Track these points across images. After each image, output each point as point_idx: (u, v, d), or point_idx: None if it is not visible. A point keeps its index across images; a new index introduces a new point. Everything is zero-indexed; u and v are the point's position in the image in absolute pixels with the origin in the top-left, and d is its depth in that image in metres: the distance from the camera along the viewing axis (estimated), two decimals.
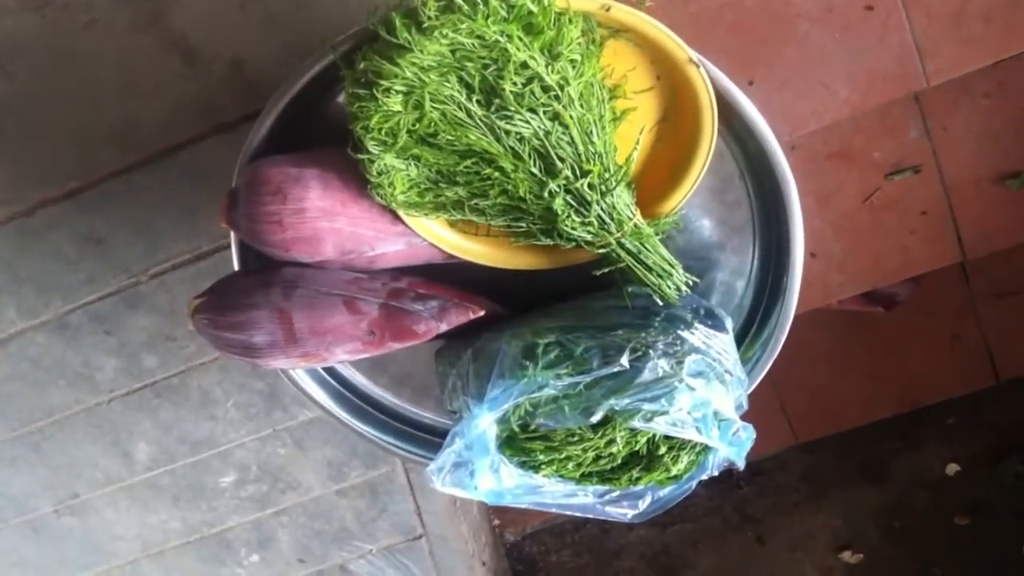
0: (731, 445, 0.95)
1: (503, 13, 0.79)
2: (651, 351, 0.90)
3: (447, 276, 0.99)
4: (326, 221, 0.90)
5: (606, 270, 0.93)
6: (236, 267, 1.02)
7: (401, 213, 0.92)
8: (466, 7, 0.78)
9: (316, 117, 0.99)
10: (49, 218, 1.41)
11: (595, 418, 0.88)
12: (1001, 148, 1.45)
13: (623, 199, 0.90)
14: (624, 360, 0.89)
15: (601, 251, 0.92)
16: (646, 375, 0.89)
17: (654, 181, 0.95)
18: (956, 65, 1.25)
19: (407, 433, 1.15)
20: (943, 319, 1.91)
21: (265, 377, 1.60)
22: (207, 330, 0.95)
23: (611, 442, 0.95)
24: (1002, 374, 1.99)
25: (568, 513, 1.01)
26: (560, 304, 1.01)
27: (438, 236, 0.96)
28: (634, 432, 0.94)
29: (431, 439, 1.15)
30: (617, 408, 0.88)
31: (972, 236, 1.55)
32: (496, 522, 2.44)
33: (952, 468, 2.24)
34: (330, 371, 1.11)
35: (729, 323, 0.99)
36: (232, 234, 0.99)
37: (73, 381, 1.58)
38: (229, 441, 1.69)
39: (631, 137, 0.92)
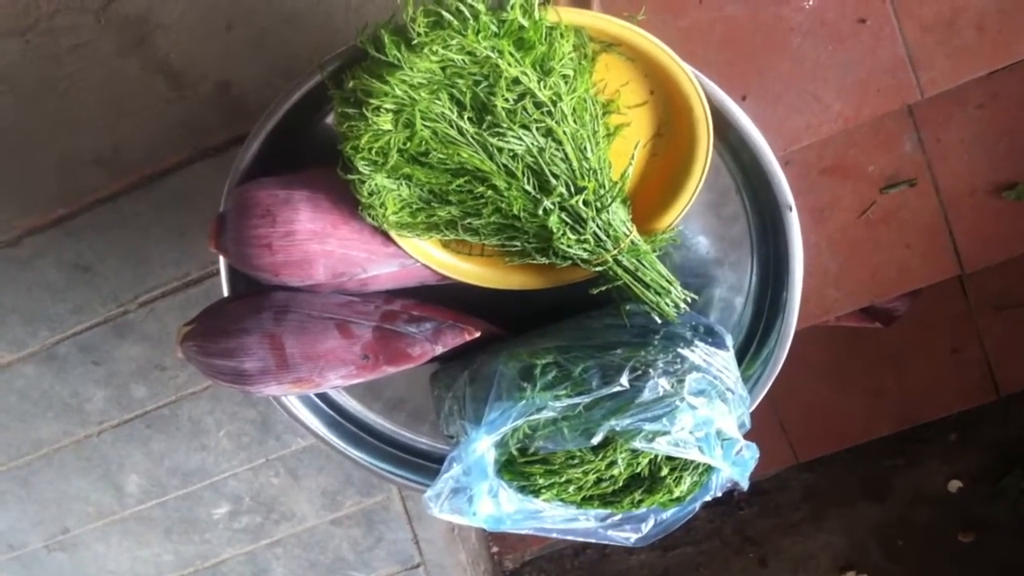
0: (735, 465, 0.93)
1: (494, 28, 0.77)
2: (651, 370, 0.88)
3: (440, 297, 0.97)
4: (317, 244, 0.89)
5: (603, 288, 0.91)
6: (225, 292, 1.00)
7: (393, 234, 0.91)
8: (456, 23, 0.76)
9: (304, 138, 0.97)
10: (35, 246, 1.39)
11: (596, 440, 0.87)
12: (996, 159, 1.44)
13: (619, 215, 0.89)
14: (624, 380, 0.87)
15: (598, 269, 0.90)
16: (646, 395, 0.87)
17: (649, 197, 0.93)
18: (950, 76, 1.24)
19: (402, 459, 1.13)
20: (942, 333, 1.89)
21: (257, 406, 1.58)
22: (196, 357, 0.93)
23: (612, 464, 0.93)
24: (1003, 388, 1.97)
25: (569, 538, 0.99)
26: (556, 323, 1.00)
27: (431, 257, 0.94)
28: (636, 453, 0.92)
29: (427, 465, 1.13)
30: (618, 429, 0.87)
31: (969, 248, 1.53)
32: (495, 549, 2.41)
33: (954, 484, 2.22)
34: (323, 397, 1.09)
35: (729, 340, 0.98)
36: (221, 259, 0.98)
37: (62, 413, 1.56)
38: (221, 472, 1.66)
39: (625, 153, 0.91)
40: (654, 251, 0.91)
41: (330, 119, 0.97)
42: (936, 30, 1.22)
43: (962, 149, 1.43)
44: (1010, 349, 1.89)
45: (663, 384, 0.87)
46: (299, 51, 1.21)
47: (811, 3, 1.19)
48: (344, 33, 1.19)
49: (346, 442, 1.10)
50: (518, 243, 0.90)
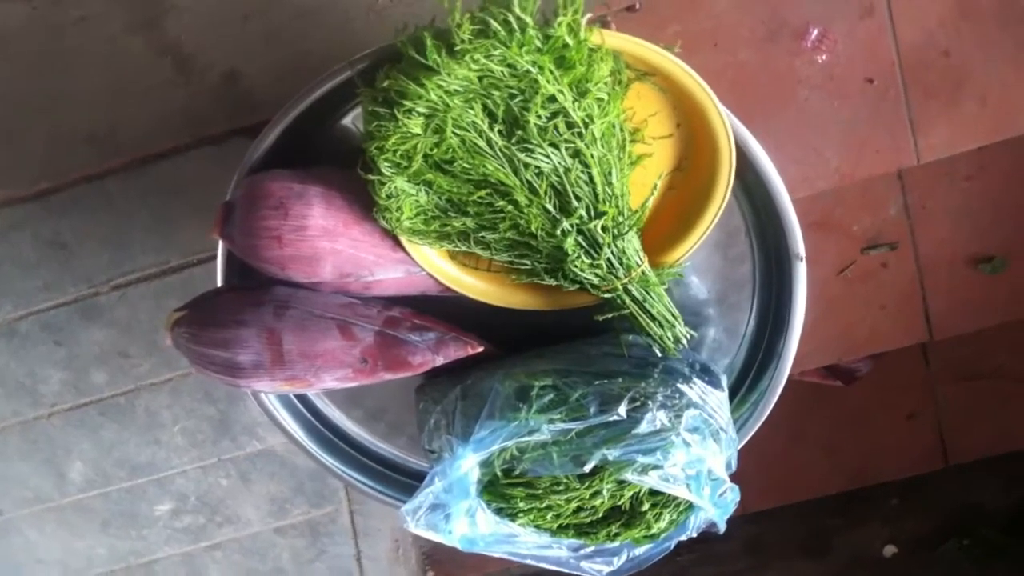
0: (717, 506, 0.93)
1: (538, 43, 0.77)
2: (650, 402, 0.88)
3: (436, 309, 0.96)
4: (327, 241, 0.87)
5: (609, 316, 0.91)
6: (220, 283, 0.97)
7: (404, 240, 0.89)
8: (502, 33, 0.76)
9: (316, 137, 0.96)
10: (13, 217, 1.35)
11: (588, 467, 0.86)
12: (977, 231, 1.47)
13: (633, 244, 0.89)
14: (622, 409, 0.87)
15: (606, 296, 0.90)
16: (644, 426, 0.86)
17: (660, 229, 0.93)
18: (948, 145, 1.27)
19: (375, 470, 1.11)
20: (900, 397, 1.91)
21: (217, 403, 1.54)
22: (187, 345, 0.91)
23: (597, 494, 0.92)
24: (952, 458, 2.00)
25: (534, 566, 0.97)
26: (555, 347, 0.99)
27: (437, 267, 0.93)
28: (621, 485, 0.91)
29: (400, 479, 1.11)
30: (611, 458, 0.86)
31: (941, 317, 1.56)
32: (430, 574, 2.37)
33: (889, 550, 2.24)
34: (303, 400, 1.07)
35: (724, 380, 0.98)
36: (219, 248, 0.96)
37: (14, 392, 1.50)
38: (171, 467, 1.62)
39: (641, 182, 0.91)
40: (661, 283, 0.91)
41: (346, 120, 0.96)
42: (940, 97, 1.24)
43: (946, 218, 1.46)
44: (964, 420, 1.92)
45: (661, 417, 0.87)
46: (315, 49, 1.19)
47: (823, 58, 1.21)
48: (364, 35, 1.18)
49: (320, 447, 1.08)
50: (528, 261, 0.90)
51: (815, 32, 1.21)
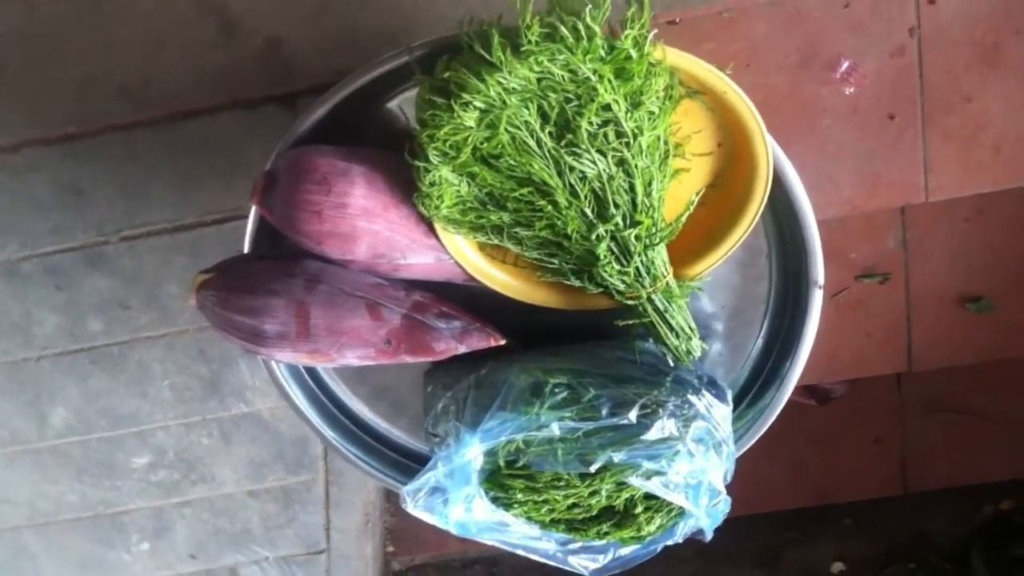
0: (709, 516, 0.95)
1: (602, 52, 0.79)
2: (661, 410, 0.90)
3: (455, 298, 0.97)
4: (365, 221, 0.88)
5: (629, 322, 0.93)
6: (246, 249, 0.98)
7: (438, 227, 0.91)
8: (569, 39, 0.77)
9: (358, 117, 0.97)
10: (34, 158, 1.34)
11: (594, 467, 0.88)
12: (969, 271, 1.51)
13: (661, 255, 0.91)
14: (633, 415, 0.88)
15: (629, 303, 0.92)
16: (653, 433, 0.88)
17: (686, 243, 0.95)
18: (957, 186, 1.31)
19: (369, 444, 1.12)
20: (870, 422, 1.96)
21: (210, 363, 1.54)
22: (214, 308, 0.91)
23: (595, 493, 0.94)
24: (910, 485, 2.05)
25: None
26: (571, 346, 1.01)
27: (466, 257, 0.94)
28: (620, 487, 0.93)
29: (391, 455, 1.12)
30: (616, 460, 0.88)
31: (922, 350, 1.60)
32: (390, 548, 2.39)
33: (838, 567, 2.28)
34: (311, 372, 1.08)
35: (730, 395, 1.00)
36: (252, 215, 0.96)
37: (6, 331, 1.49)
38: (154, 421, 1.61)
39: (674, 195, 0.93)
40: (682, 296, 0.94)
41: (392, 103, 0.97)
42: (956, 141, 1.28)
43: (940, 256, 1.50)
44: (927, 450, 1.98)
45: (670, 426, 0.89)
46: (363, 27, 1.19)
47: (850, 91, 1.24)
48: (414, 20, 1.18)
49: (322, 420, 1.09)
50: (557, 261, 0.91)
51: (846, 64, 1.24)
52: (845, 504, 2.19)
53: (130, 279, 1.43)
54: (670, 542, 0.99)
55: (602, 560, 0.99)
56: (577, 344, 1.02)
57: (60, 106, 1.31)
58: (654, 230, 0.88)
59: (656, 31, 0.80)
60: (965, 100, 1.27)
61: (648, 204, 0.87)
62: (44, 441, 1.63)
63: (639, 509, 0.96)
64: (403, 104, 0.96)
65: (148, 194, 1.34)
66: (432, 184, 0.86)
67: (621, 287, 0.90)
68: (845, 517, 2.26)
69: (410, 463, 1.11)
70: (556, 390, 0.92)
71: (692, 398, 0.93)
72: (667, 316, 0.92)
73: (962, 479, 2.04)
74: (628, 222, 0.87)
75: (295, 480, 1.73)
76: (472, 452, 0.91)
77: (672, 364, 0.96)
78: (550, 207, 0.86)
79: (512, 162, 0.84)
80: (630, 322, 0.93)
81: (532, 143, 0.83)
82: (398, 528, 2.18)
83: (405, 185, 0.88)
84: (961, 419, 1.92)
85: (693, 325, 0.94)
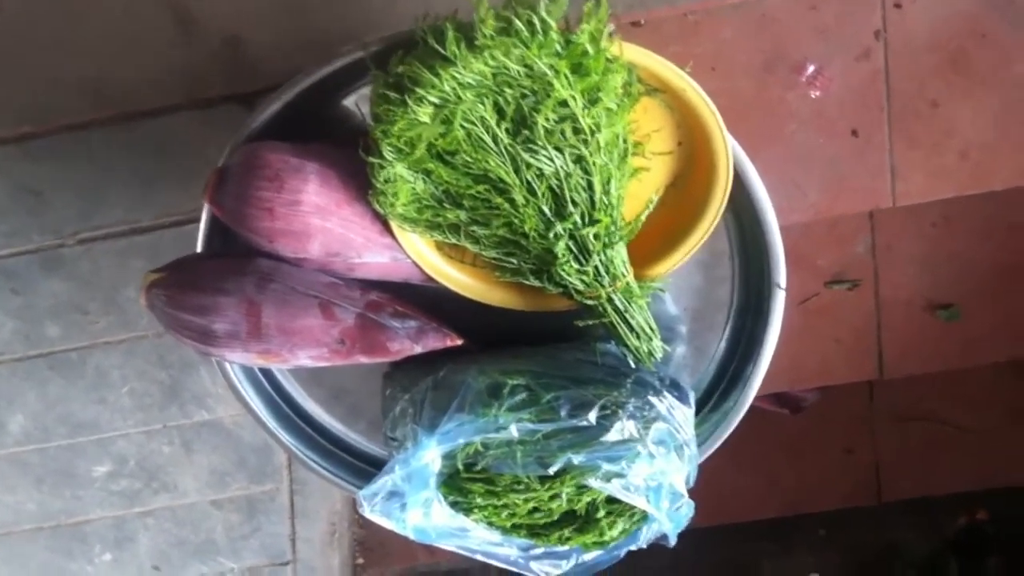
0: (671, 520, 0.94)
1: (558, 48, 0.77)
2: (620, 411, 0.88)
3: (414, 298, 0.96)
4: (319, 218, 0.87)
5: (589, 322, 0.91)
6: (200, 248, 0.96)
7: (394, 225, 0.89)
8: (524, 33, 0.76)
9: (313, 113, 0.96)
10: None
11: (552, 469, 0.86)
12: (938, 278, 1.51)
13: (621, 255, 0.90)
14: (592, 416, 0.87)
15: (588, 302, 0.90)
16: (612, 434, 0.87)
17: (645, 244, 0.94)
18: (923, 192, 1.30)
19: (327, 449, 1.10)
20: (841, 431, 1.96)
21: (170, 369, 1.52)
22: (163, 308, 0.89)
23: (555, 496, 0.93)
24: (884, 496, 2.05)
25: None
26: (531, 348, 0.99)
27: (423, 256, 0.93)
28: (580, 490, 0.92)
29: (351, 460, 1.11)
30: (575, 463, 0.86)
31: (893, 357, 1.60)
32: (360, 560, 2.36)
33: None
34: (266, 374, 1.06)
35: (692, 397, 0.99)
36: (204, 213, 0.95)
37: None
38: (114, 429, 1.59)
39: (634, 195, 0.92)
40: (642, 296, 0.92)
41: (348, 100, 0.96)
42: (923, 148, 1.28)
43: (910, 262, 1.50)
44: (899, 460, 1.97)
45: (630, 427, 0.87)
46: (326, 27, 1.18)
47: (816, 94, 1.24)
48: (376, 19, 1.17)
49: (277, 422, 1.07)
50: (515, 260, 0.90)
51: (811, 68, 1.23)
52: (819, 514, 2.19)
53: (87, 283, 1.40)
54: (633, 547, 0.98)
55: (565, 566, 0.98)
56: (537, 346, 1.00)
57: (15, 104, 1.28)
58: (613, 229, 0.87)
59: (614, 27, 0.79)
60: (932, 105, 1.27)
61: (607, 202, 0.85)
62: (2, 449, 1.60)
63: (601, 513, 0.95)
64: (359, 100, 0.96)
65: (104, 196, 1.32)
66: (387, 181, 0.84)
67: (580, 286, 0.89)
68: (819, 528, 2.26)
69: (370, 468, 1.09)
70: (515, 391, 0.90)
71: (653, 399, 0.92)
72: (627, 316, 0.91)
73: (934, 489, 2.04)
74: (586, 220, 0.86)
75: (259, 489, 1.71)
76: (430, 455, 0.89)
77: (633, 366, 0.95)
78: (507, 205, 0.85)
79: (468, 158, 0.83)
80: (590, 322, 0.92)
81: (488, 139, 0.81)
82: (368, 539, 2.16)
83: (360, 182, 0.87)
84: (932, 428, 1.91)
85: (654, 326, 0.93)
